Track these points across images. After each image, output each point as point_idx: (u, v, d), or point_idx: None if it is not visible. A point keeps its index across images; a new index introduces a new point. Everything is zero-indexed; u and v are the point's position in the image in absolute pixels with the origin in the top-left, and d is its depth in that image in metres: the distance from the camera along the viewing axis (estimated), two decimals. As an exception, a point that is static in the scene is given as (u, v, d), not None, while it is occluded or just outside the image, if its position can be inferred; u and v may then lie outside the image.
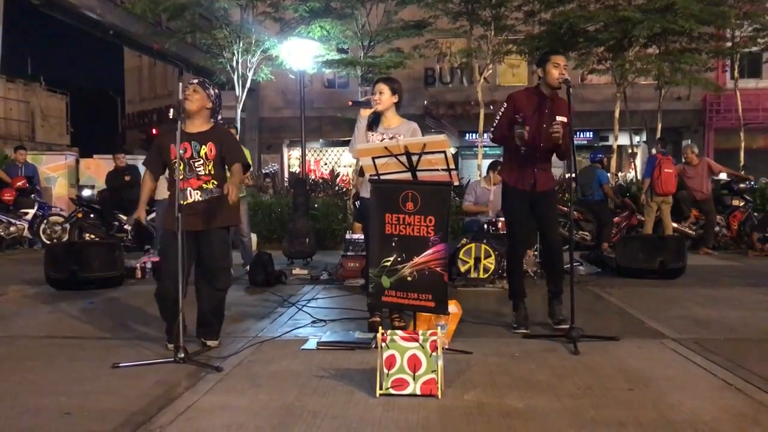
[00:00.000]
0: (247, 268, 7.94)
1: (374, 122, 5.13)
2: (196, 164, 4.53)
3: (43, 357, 4.55)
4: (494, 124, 5.22)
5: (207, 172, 4.56)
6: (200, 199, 4.53)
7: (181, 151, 4.35)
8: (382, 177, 4.38)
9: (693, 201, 10.99)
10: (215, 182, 4.58)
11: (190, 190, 4.51)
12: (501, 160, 9.08)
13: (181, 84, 4.47)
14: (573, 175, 5.39)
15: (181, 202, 4.36)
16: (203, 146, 4.55)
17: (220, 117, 4.80)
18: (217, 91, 4.71)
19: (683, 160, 11.26)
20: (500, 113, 5.19)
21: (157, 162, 4.70)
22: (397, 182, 4.32)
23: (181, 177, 4.41)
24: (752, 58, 17.94)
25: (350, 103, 5.27)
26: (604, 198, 10.65)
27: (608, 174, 11.61)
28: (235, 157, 4.64)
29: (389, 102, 5.11)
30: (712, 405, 3.50)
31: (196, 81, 4.68)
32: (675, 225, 10.74)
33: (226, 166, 4.64)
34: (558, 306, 5.27)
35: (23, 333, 5.34)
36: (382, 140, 4.90)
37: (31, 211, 12.12)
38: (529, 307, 5.37)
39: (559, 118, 4.95)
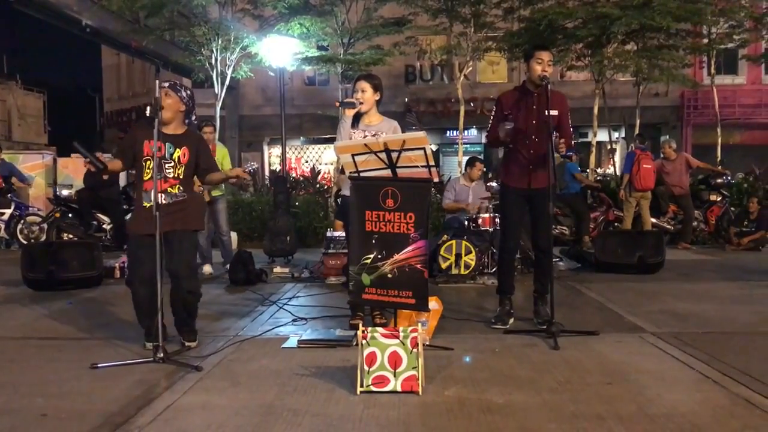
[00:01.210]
0: (227, 266, 7.89)
1: (355, 119, 5.10)
2: (167, 166, 4.49)
3: (20, 358, 4.49)
4: (488, 128, 5.30)
5: (175, 175, 4.52)
6: (164, 202, 4.46)
7: (154, 150, 4.30)
8: (362, 174, 4.38)
9: (671, 196, 11.09)
10: (181, 187, 4.55)
11: (154, 192, 4.46)
12: (480, 157, 9.18)
13: (158, 81, 4.42)
14: (553, 171, 5.40)
15: (145, 204, 4.39)
16: (177, 149, 4.52)
17: (194, 117, 4.78)
18: (189, 91, 4.67)
19: (661, 155, 11.37)
20: (492, 116, 5.24)
21: (128, 152, 4.60)
22: (377, 179, 4.31)
23: (148, 177, 4.39)
24: (728, 54, 18.16)
25: (337, 104, 5.24)
26: (579, 191, 10.76)
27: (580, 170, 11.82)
28: (209, 169, 4.70)
29: (372, 100, 5.06)
30: (690, 398, 3.54)
31: (167, 84, 4.59)
32: (653, 220, 10.84)
33: (197, 177, 4.70)
34: (543, 306, 5.25)
35: (-1, 334, 5.27)
36: (364, 137, 4.88)
37: (8, 211, 11.95)
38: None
39: (552, 113, 4.94)
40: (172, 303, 4.65)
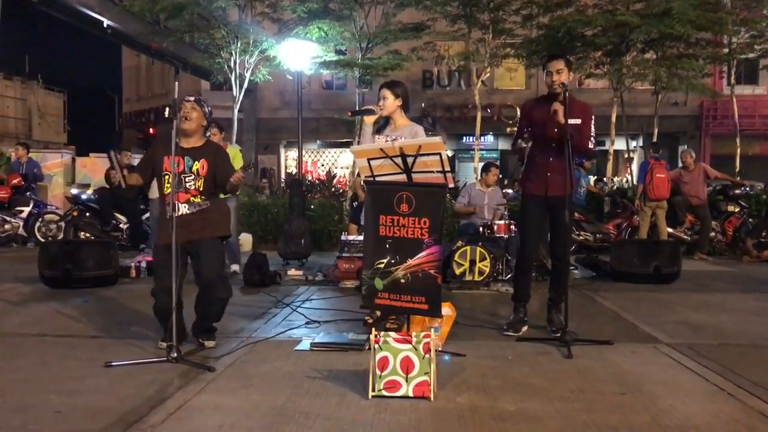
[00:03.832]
0: (233, 268, 7.93)
1: (383, 126, 5.15)
2: (187, 179, 4.56)
3: (35, 355, 4.53)
4: (515, 136, 5.38)
5: (196, 187, 4.58)
6: (187, 212, 4.53)
7: (173, 165, 4.36)
8: (377, 178, 4.38)
9: (688, 206, 11.00)
10: (203, 196, 4.61)
11: (177, 204, 4.49)
12: (497, 162, 9.16)
13: (176, 84, 4.47)
14: (571, 179, 5.36)
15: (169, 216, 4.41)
16: (196, 162, 4.58)
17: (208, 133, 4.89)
18: (209, 108, 4.78)
19: (680, 165, 11.28)
20: (517, 126, 5.33)
21: (147, 169, 4.73)
22: (392, 184, 4.31)
23: (169, 191, 4.46)
24: (749, 64, 17.98)
25: (349, 114, 5.29)
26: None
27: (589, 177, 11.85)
28: (227, 178, 4.69)
29: (393, 106, 5.13)
30: (704, 410, 3.51)
31: (192, 99, 4.68)
32: (670, 230, 10.75)
33: (217, 186, 4.73)
34: (557, 314, 5.23)
35: (16, 331, 5.32)
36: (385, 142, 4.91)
37: (27, 209, 12.08)
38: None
39: (572, 122, 4.90)
40: (197, 309, 4.70)
